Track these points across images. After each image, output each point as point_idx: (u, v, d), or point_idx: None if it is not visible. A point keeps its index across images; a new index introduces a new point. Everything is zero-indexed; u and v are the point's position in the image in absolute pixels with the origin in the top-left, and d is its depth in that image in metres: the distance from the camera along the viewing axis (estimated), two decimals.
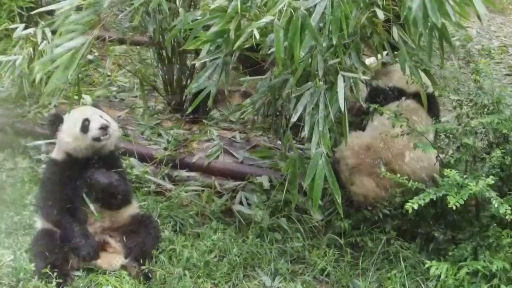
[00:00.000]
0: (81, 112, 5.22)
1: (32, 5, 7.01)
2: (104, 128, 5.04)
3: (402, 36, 4.84)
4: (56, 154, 5.24)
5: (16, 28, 6.34)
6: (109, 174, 5.08)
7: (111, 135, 5.10)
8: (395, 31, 4.82)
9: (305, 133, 4.61)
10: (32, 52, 6.17)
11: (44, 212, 5.12)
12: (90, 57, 7.22)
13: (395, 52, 5.05)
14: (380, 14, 4.63)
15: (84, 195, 5.07)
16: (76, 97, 5.32)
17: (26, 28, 6.32)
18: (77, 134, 5.08)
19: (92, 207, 5.07)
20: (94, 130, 5.05)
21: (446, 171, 4.70)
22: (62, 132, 5.15)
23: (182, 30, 5.74)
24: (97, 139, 5.04)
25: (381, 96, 5.70)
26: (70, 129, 5.11)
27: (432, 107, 5.47)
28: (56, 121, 5.17)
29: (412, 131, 5.16)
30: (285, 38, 4.26)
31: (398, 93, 5.68)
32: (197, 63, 5.71)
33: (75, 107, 5.31)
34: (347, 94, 4.88)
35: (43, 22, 6.24)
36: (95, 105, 5.55)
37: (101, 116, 5.14)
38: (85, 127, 5.07)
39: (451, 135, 5.13)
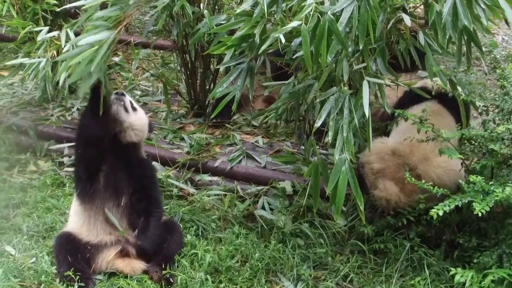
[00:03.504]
0: None
1: (56, 8, 7.04)
2: (118, 94, 5.08)
3: (429, 41, 4.80)
4: None
5: (40, 31, 6.37)
6: (150, 235, 5.08)
7: (126, 105, 5.10)
8: (421, 36, 4.77)
9: (328, 138, 4.57)
10: (56, 55, 6.19)
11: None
12: (116, 59, 7.24)
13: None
14: (407, 20, 4.58)
15: (106, 211, 5.07)
16: None
17: (50, 31, 6.34)
18: None
19: (116, 223, 5.07)
20: (113, 94, 5.10)
21: (472, 177, 4.66)
22: None
23: (206, 34, 5.73)
24: (111, 102, 5.05)
25: (413, 97, 5.63)
26: None
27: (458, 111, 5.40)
28: None
29: (437, 137, 5.12)
30: (311, 43, 4.23)
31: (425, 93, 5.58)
32: (221, 68, 5.70)
33: None
34: (371, 100, 4.85)
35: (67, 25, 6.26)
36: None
37: (131, 101, 5.20)
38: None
39: (476, 141, 5.08)
